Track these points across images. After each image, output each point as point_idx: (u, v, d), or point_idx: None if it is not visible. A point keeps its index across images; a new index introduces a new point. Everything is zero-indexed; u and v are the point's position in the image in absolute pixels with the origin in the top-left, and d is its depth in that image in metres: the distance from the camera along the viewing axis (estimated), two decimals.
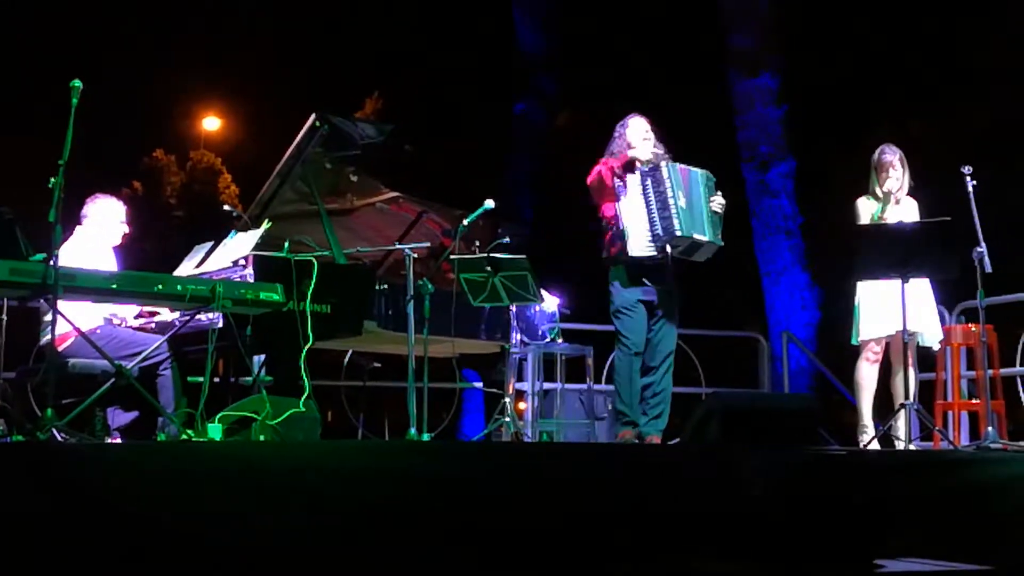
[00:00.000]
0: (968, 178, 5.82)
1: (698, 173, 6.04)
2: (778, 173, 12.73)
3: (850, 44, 14.36)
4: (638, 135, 6.10)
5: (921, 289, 5.96)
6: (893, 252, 5.60)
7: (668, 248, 5.88)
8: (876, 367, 6.12)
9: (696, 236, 5.88)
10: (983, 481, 4.28)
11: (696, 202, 5.95)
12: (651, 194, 5.88)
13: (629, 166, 5.95)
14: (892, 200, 6.09)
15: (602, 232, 6.14)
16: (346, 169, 6.23)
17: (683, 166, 6.01)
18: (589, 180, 6.12)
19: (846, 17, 14.42)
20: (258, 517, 3.24)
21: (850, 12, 14.37)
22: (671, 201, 5.84)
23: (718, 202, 6.04)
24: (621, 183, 5.94)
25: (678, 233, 5.82)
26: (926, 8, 13.67)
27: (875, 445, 5.81)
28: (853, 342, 6.18)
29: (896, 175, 6.12)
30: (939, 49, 13.61)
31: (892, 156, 6.16)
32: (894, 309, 5.85)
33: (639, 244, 5.88)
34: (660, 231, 5.85)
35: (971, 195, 5.80)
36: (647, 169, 5.94)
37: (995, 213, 6.24)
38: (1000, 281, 6.18)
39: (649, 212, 5.87)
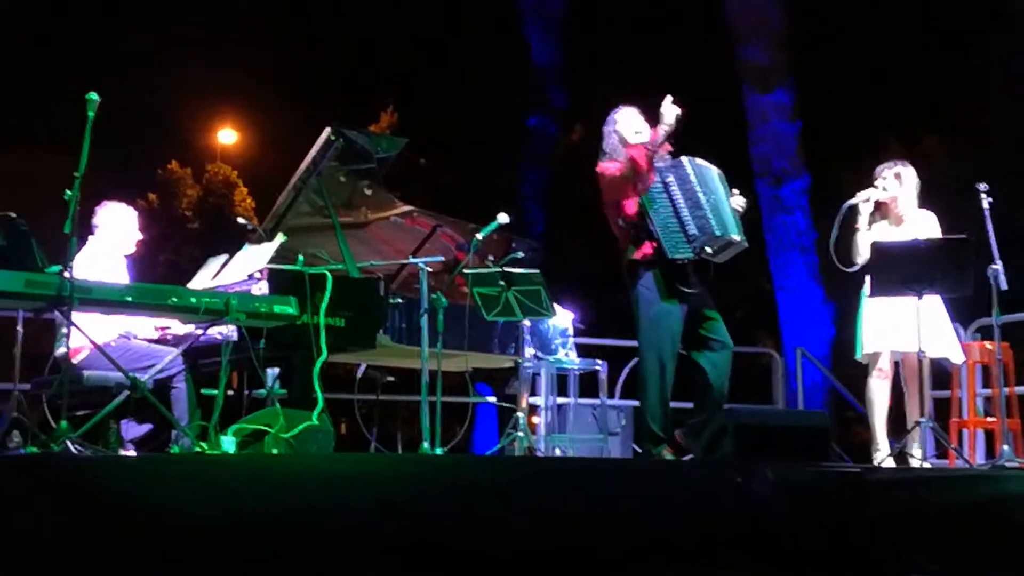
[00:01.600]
0: (984, 195, 5.79)
1: (715, 171, 5.74)
2: (792, 189, 12.74)
3: (864, 60, 14.36)
4: (631, 126, 5.77)
5: (933, 306, 5.89)
6: (907, 269, 5.57)
7: (708, 249, 5.57)
8: (887, 383, 6.04)
9: (732, 236, 5.59)
10: (999, 499, 4.26)
11: (722, 200, 5.65)
12: (677, 192, 5.56)
13: (668, 137, 5.56)
14: (870, 211, 6.02)
15: (624, 232, 5.77)
16: (360, 183, 6.25)
17: (702, 161, 5.71)
18: (611, 172, 5.69)
19: (860, 33, 14.42)
20: (271, 530, 3.24)
21: (864, 28, 14.37)
22: (701, 199, 5.54)
23: (738, 202, 5.77)
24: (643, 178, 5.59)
25: (716, 233, 5.54)
26: (941, 24, 13.66)
27: (890, 463, 5.78)
28: (856, 356, 6.14)
29: (882, 185, 6.05)
30: (954, 65, 13.59)
31: (887, 171, 6.08)
32: (897, 324, 5.83)
33: (675, 246, 5.54)
34: (696, 231, 5.53)
35: (986, 212, 5.76)
36: (668, 166, 5.65)
37: (1011, 230, 6.21)
38: (1016, 299, 6.15)
39: (679, 212, 5.55)
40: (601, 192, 5.87)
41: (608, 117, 5.91)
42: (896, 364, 6.05)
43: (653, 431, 5.66)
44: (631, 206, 5.71)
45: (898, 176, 6.06)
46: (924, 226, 6.07)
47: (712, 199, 5.60)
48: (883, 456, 5.89)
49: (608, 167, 5.79)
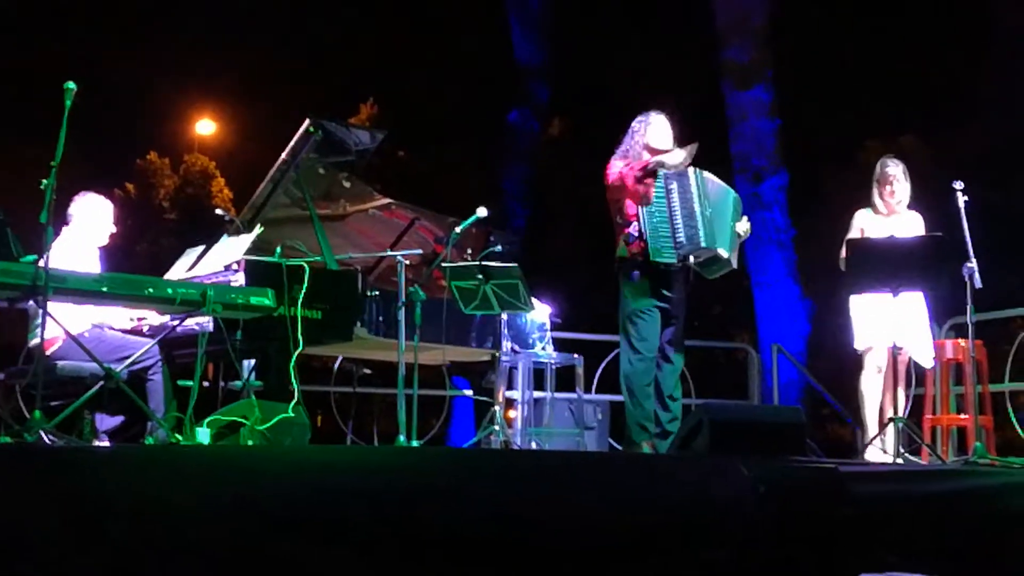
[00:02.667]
0: (959, 193, 5.84)
1: (730, 192, 5.85)
2: (771, 186, 12.77)
3: (844, 59, 14.42)
4: (660, 136, 5.80)
5: (916, 306, 5.98)
6: (883, 266, 5.62)
7: (691, 258, 5.68)
8: (880, 377, 6.12)
9: (720, 250, 5.68)
10: (970, 496, 4.29)
11: (722, 217, 5.73)
12: (676, 200, 5.61)
13: (653, 172, 5.63)
14: (890, 211, 6.15)
15: (619, 228, 5.82)
16: (339, 175, 6.25)
17: (713, 177, 5.79)
18: (610, 180, 5.77)
19: (840, 32, 14.48)
20: (246, 522, 3.23)
21: (844, 27, 14.44)
22: (697, 210, 5.60)
23: (743, 227, 5.86)
24: (643, 184, 5.64)
25: (703, 244, 5.61)
26: (920, 25, 13.73)
27: (876, 455, 5.83)
28: (856, 347, 6.22)
29: (901, 188, 6.16)
30: (932, 65, 13.67)
31: (895, 168, 6.18)
32: (885, 320, 5.91)
33: (660, 250, 5.62)
34: (684, 239, 5.60)
35: (962, 211, 5.81)
36: (673, 173, 5.67)
37: (986, 229, 6.27)
38: (990, 297, 6.21)
39: (673, 218, 5.61)
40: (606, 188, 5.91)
41: (642, 116, 5.91)
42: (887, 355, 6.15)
43: (638, 422, 5.73)
44: (631, 206, 5.76)
45: (905, 172, 6.17)
46: (914, 224, 6.16)
47: (709, 212, 5.65)
48: (876, 449, 5.94)
49: (611, 170, 5.81)
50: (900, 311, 5.74)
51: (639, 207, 5.70)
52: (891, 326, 5.90)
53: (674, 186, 5.66)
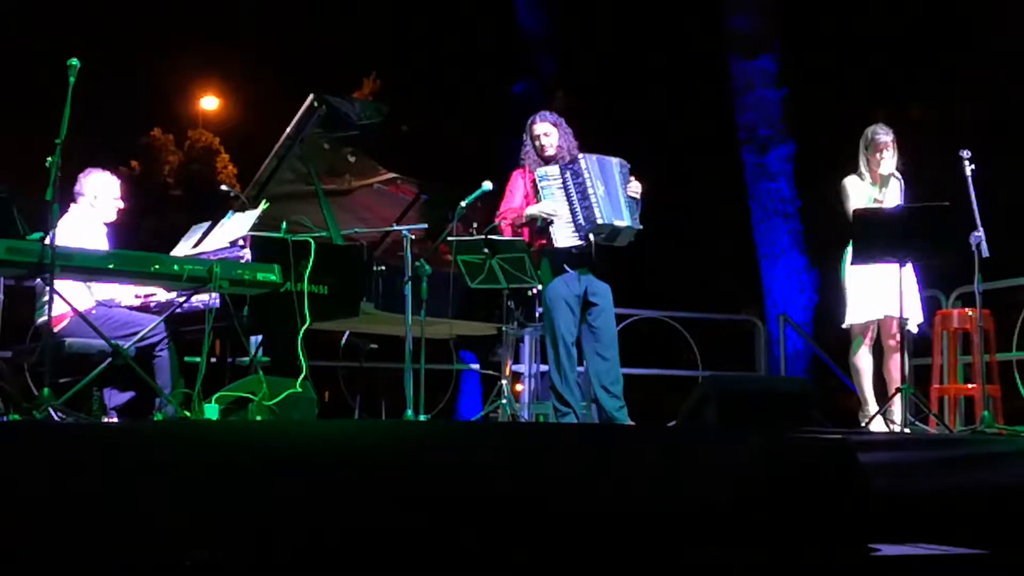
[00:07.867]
0: (967, 162, 5.81)
1: (612, 161, 6.09)
2: (777, 156, 12.72)
3: (850, 26, 14.32)
4: (551, 139, 6.11)
5: (907, 274, 5.98)
6: (890, 236, 5.61)
7: (591, 236, 5.94)
8: (869, 350, 6.15)
9: (616, 222, 5.94)
10: (978, 465, 4.29)
11: (613, 189, 6.01)
12: (571, 186, 5.96)
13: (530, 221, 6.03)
14: (876, 178, 6.13)
15: (519, 227, 6.12)
16: (344, 150, 6.24)
17: (598, 156, 6.07)
18: (502, 208, 6.16)
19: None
20: (254, 498, 3.24)
21: None
22: (591, 191, 5.93)
23: (634, 188, 6.09)
24: (541, 180, 5.98)
25: (599, 221, 5.89)
26: None
27: (878, 423, 5.83)
28: (844, 326, 6.22)
29: (889, 155, 6.13)
30: (940, 32, 13.57)
31: (887, 137, 6.15)
32: (880, 293, 5.91)
33: (564, 235, 5.93)
34: (582, 220, 5.92)
35: (969, 179, 5.79)
36: (566, 163, 6.03)
37: (994, 197, 6.24)
38: (998, 266, 6.19)
39: (571, 204, 5.94)
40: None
41: (531, 120, 6.26)
42: (877, 329, 6.13)
43: (562, 401, 6.02)
44: (524, 232, 6.10)
45: (894, 141, 6.14)
46: (895, 190, 6.15)
47: (603, 190, 5.98)
48: (872, 416, 5.95)
49: (506, 197, 6.16)
50: (895, 281, 5.75)
51: (538, 203, 6.00)
52: (885, 297, 5.91)
53: (568, 175, 6.00)
